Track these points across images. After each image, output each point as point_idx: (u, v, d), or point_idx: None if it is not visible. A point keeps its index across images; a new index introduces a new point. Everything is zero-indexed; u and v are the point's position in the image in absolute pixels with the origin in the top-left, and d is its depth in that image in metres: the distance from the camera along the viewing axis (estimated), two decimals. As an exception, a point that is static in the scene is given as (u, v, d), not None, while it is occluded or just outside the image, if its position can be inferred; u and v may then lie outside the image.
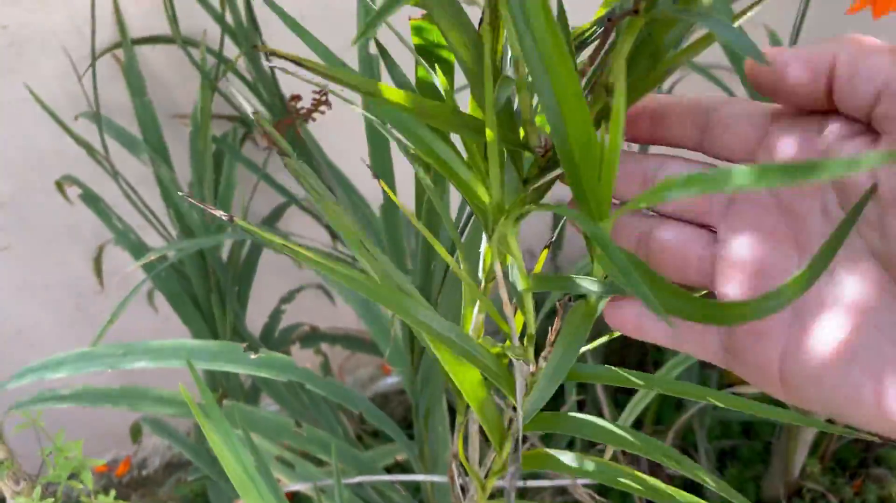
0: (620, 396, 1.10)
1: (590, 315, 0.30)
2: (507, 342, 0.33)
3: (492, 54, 0.24)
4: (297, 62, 0.23)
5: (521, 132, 0.27)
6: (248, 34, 0.72)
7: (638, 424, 1.11)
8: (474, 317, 0.35)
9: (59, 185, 0.78)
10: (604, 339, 0.37)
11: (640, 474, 0.34)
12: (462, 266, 0.33)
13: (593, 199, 0.24)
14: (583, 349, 0.30)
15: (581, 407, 1.04)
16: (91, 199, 0.75)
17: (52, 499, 0.57)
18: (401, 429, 0.72)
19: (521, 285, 0.30)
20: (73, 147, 0.81)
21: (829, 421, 0.35)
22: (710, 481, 0.33)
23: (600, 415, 0.93)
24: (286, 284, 1.02)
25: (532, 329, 0.32)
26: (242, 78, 0.81)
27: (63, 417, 0.70)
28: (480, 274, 0.34)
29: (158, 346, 0.58)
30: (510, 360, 0.32)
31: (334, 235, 0.96)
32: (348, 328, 1.03)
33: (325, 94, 0.72)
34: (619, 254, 0.21)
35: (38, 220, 0.90)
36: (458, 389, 0.33)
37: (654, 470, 1.00)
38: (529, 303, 0.31)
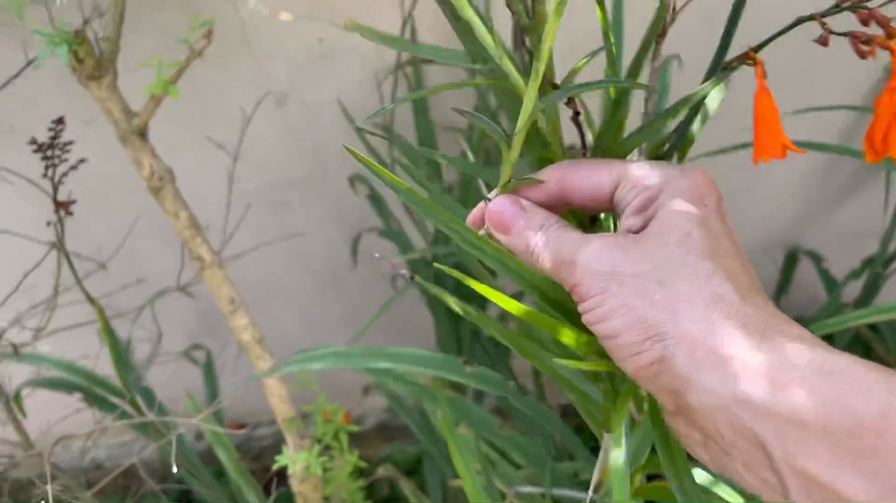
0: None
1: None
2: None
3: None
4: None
5: None
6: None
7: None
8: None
9: (352, 182, 0.90)
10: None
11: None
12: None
13: None
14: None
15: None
16: (376, 199, 0.86)
17: (325, 458, 0.68)
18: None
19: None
20: (356, 146, 0.93)
21: None
22: None
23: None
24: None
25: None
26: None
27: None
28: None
29: (396, 352, 0.71)
30: None
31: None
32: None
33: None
34: None
35: (315, 202, 1.04)
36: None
37: None
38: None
